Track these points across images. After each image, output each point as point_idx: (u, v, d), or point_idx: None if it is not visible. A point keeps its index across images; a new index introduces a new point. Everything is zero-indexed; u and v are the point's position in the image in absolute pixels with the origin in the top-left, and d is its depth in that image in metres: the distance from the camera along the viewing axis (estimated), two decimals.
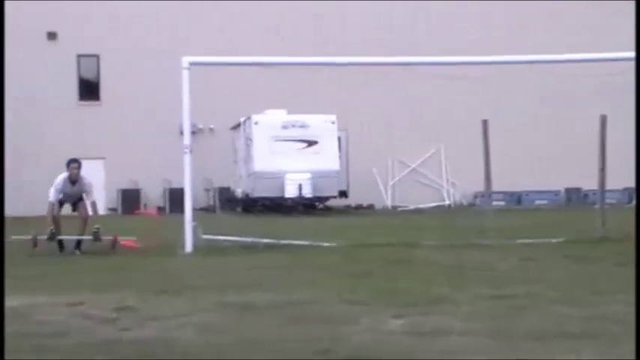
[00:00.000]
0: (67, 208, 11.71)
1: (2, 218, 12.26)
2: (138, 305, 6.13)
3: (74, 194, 11.52)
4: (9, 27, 32.48)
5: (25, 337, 5.00)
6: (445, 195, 34.18)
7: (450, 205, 32.90)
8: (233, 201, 29.11)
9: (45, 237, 11.17)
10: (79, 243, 11.38)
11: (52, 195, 11.43)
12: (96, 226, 11.42)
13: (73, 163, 11.63)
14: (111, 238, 11.52)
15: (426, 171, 34.25)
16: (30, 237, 11.23)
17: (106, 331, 5.24)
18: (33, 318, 5.67)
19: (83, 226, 11.47)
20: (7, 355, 4.48)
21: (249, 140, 27.31)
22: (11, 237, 11.25)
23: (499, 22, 34.06)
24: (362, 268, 8.48)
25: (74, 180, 11.54)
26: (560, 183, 31.39)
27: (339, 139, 28.07)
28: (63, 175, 11.60)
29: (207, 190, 31.74)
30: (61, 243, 11.29)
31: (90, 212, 11.49)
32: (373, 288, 6.89)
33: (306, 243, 11.64)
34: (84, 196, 11.62)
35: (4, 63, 28.13)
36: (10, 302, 6.31)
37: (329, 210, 27.49)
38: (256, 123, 27.13)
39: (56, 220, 11.34)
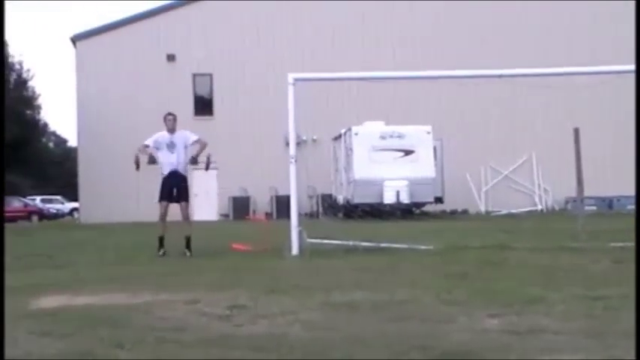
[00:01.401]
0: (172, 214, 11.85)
1: (2, 217, 12.53)
2: (249, 303, 6.19)
3: (172, 144, 11.52)
4: (132, 50, 33.80)
5: (149, 330, 5.13)
6: (537, 200, 33.34)
7: (542, 210, 32.07)
8: (335, 207, 29.21)
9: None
10: (188, 243, 11.48)
11: (148, 140, 11.62)
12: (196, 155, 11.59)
13: (169, 116, 11.78)
14: (205, 160, 11.72)
15: (519, 177, 33.51)
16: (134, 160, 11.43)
17: (221, 326, 5.32)
18: (155, 314, 5.81)
19: (185, 225, 11.57)
20: (135, 345, 4.61)
21: (349, 150, 27.37)
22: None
23: (591, 34, 33.02)
24: (458, 269, 8.33)
25: (171, 130, 11.68)
26: None
27: (435, 148, 27.79)
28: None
29: (310, 196, 32.03)
30: (162, 242, 11.43)
31: (196, 143, 11.62)
32: (469, 288, 6.75)
33: (405, 246, 11.53)
34: (188, 155, 11.63)
35: (5, 62, 29.14)
36: (136, 299, 6.52)
37: (425, 215, 27.24)
38: (356, 134, 27.18)
39: (164, 217, 11.52)
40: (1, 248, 9.67)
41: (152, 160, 11.58)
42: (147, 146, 11.62)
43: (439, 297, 6.34)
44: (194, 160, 11.69)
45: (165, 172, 11.59)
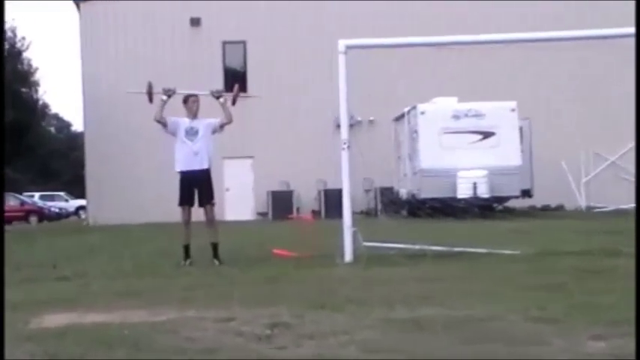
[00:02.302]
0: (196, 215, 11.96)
1: (2, 217, 12.76)
2: (293, 321, 6.24)
3: (193, 130, 11.59)
4: (148, 12, 34.14)
5: (174, 353, 5.23)
6: None
7: None
8: (397, 203, 29.20)
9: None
10: (215, 251, 11.63)
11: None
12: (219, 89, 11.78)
13: (192, 97, 11.88)
14: (232, 93, 11.88)
15: (630, 165, 32.88)
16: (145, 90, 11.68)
17: (260, 349, 5.38)
18: (181, 334, 5.90)
19: (211, 231, 11.71)
20: None
21: (414, 133, 27.28)
22: None
23: None
24: (552, 279, 8.27)
25: (194, 114, 11.78)
26: None
27: (521, 129, 27.53)
28: None
29: (367, 190, 32.06)
30: (187, 252, 11.61)
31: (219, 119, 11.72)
32: (566, 303, 6.70)
33: (484, 250, 11.48)
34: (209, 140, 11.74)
35: (4, 61, 29.51)
36: (158, 317, 6.63)
37: (509, 212, 27.00)
38: (423, 113, 27.06)
39: (187, 223, 11.69)
40: (1, 246, 9.91)
41: (168, 92, 11.68)
42: (164, 118, 11.72)
43: (528, 313, 6.31)
44: (218, 95, 11.78)
45: (183, 167, 11.66)
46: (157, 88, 11.80)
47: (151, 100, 11.80)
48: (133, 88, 13.62)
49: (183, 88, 12.39)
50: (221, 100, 11.78)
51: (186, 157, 11.65)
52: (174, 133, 11.73)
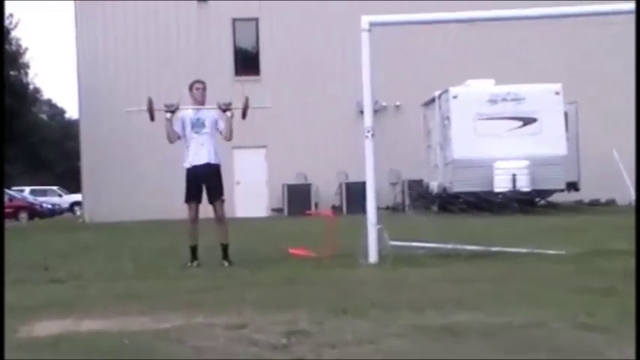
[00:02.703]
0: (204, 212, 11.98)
1: (2, 218, 12.84)
2: (312, 328, 6.24)
3: (199, 122, 11.61)
4: None
5: None
6: None
7: None
8: (427, 197, 29.16)
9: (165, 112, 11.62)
10: (225, 252, 11.66)
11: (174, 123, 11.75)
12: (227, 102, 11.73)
13: (197, 84, 11.89)
14: (240, 106, 11.78)
15: None
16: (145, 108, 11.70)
17: (276, 359, 5.38)
18: (188, 342, 5.90)
19: (220, 230, 11.73)
20: None
21: (446, 120, 27.25)
22: None
23: None
24: (601, 282, 8.23)
25: (200, 102, 11.82)
26: None
27: (566, 114, 27.41)
28: None
29: (393, 184, 32.08)
30: (194, 253, 11.65)
31: (223, 127, 11.68)
32: (618, 309, 6.66)
33: (525, 250, 11.47)
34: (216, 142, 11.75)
35: (4, 60, 29.53)
36: (162, 324, 6.63)
37: (553, 207, 26.93)
38: (455, 97, 27.02)
39: (194, 221, 11.71)
40: (1, 247, 9.96)
41: (170, 108, 11.70)
42: (174, 131, 11.77)
43: (576, 320, 6.28)
44: (226, 107, 11.72)
45: (191, 162, 11.70)
46: (158, 104, 11.76)
47: (152, 118, 11.79)
48: (130, 107, 13.63)
49: (188, 73, 12.42)
50: (228, 114, 11.68)
51: (194, 150, 11.68)
52: (184, 134, 11.77)
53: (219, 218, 11.77)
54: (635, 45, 11.69)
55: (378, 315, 6.73)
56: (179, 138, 11.79)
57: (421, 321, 6.42)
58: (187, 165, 11.72)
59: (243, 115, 11.88)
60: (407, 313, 6.74)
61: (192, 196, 11.73)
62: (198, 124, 11.68)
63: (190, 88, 11.92)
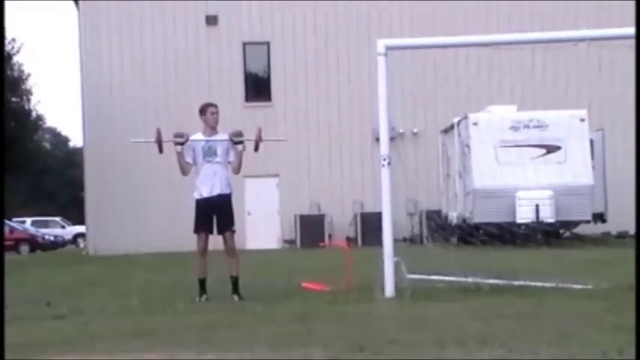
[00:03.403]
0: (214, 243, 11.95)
1: (2, 222, 12.81)
2: None
3: (211, 150, 11.58)
4: (157, 10, 34.39)
5: None
6: None
7: None
8: (446, 228, 29.03)
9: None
10: (236, 286, 11.62)
11: (185, 154, 11.71)
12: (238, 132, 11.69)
13: (211, 108, 11.86)
14: (254, 138, 11.77)
15: None
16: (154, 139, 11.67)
17: None
18: None
19: (231, 262, 11.69)
20: None
21: (466, 147, 27.21)
22: None
23: None
24: (630, 319, 8.16)
25: (212, 127, 11.78)
26: None
27: (592, 141, 27.33)
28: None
29: (411, 214, 32.00)
30: (203, 286, 11.62)
31: (233, 159, 11.67)
32: None
33: (550, 285, 11.41)
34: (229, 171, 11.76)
35: (4, 59, 29.63)
36: None
37: (579, 239, 26.77)
38: (475, 124, 26.98)
39: (204, 253, 11.69)
40: (1, 255, 9.96)
41: (179, 139, 11.69)
42: (187, 163, 11.78)
43: (607, 357, 6.25)
44: (237, 137, 11.70)
45: (202, 192, 11.68)
46: (166, 133, 11.76)
47: (160, 150, 11.79)
48: (138, 138, 13.65)
49: (197, 99, 12.43)
50: (239, 147, 11.65)
51: (205, 180, 11.66)
52: (195, 162, 11.75)
53: (230, 250, 11.74)
54: (635, 46, 11.62)
55: (396, 352, 6.69)
56: (192, 165, 11.80)
57: (442, 358, 6.38)
58: (197, 196, 11.70)
59: (256, 148, 11.89)
60: (427, 350, 6.70)
61: (202, 227, 11.71)
62: (210, 153, 11.66)
63: (203, 112, 11.86)
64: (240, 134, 11.73)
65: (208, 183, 11.63)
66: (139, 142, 13.26)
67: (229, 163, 11.74)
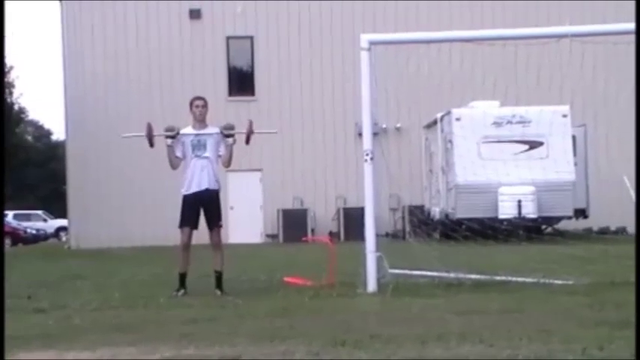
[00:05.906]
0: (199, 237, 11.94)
1: (2, 222, 12.78)
2: None
3: (201, 144, 11.57)
4: (140, 4, 34.28)
5: None
6: None
7: None
8: (428, 224, 29.06)
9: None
10: (219, 281, 11.61)
11: (175, 148, 11.70)
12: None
13: (196, 101, 11.86)
14: (244, 131, 11.75)
15: None
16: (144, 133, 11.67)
17: None
18: None
19: (216, 256, 11.68)
20: None
21: (449, 143, 27.25)
22: None
23: None
24: (614, 314, 8.22)
25: (200, 120, 11.77)
26: None
27: (574, 137, 27.41)
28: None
29: (393, 209, 32.02)
30: (183, 281, 11.61)
31: (223, 153, 11.65)
32: (631, 342, 6.62)
33: (532, 280, 11.45)
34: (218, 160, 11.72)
35: (4, 59, 29.46)
36: (151, 356, 6.59)
37: (561, 235, 26.84)
38: (458, 119, 27.02)
39: (187, 247, 11.67)
40: (1, 252, 9.91)
41: (171, 131, 11.68)
42: (177, 157, 11.76)
43: (586, 354, 6.27)
44: (227, 130, 11.68)
45: (190, 187, 11.66)
46: (158, 130, 11.74)
47: (151, 144, 11.78)
48: (128, 132, 13.60)
49: (181, 92, 12.39)
50: (230, 140, 11.63)
51: (193, 175, 11.63)
52: (183, 156, 11.72)
53: (216, 245, 11.73)
54: (635, 46, 11.65)
55: (377, 347, 6.70)
56: (182, 159, 11.78)
57: (423, 354, 6.40)
58: (185, 191, 11.66)
59: (247, 141, 11.87)
60: (408, 346, 6.71)
61: (187, 221, 11.67)
62: (199, 147, 11.63)
63: (191, 104, 11.87)
64: (231, 127, 11.74)
65: (196, 178, 11.61)
66: (130, 136, 13.21)
67: (219, 156, 11.73)
